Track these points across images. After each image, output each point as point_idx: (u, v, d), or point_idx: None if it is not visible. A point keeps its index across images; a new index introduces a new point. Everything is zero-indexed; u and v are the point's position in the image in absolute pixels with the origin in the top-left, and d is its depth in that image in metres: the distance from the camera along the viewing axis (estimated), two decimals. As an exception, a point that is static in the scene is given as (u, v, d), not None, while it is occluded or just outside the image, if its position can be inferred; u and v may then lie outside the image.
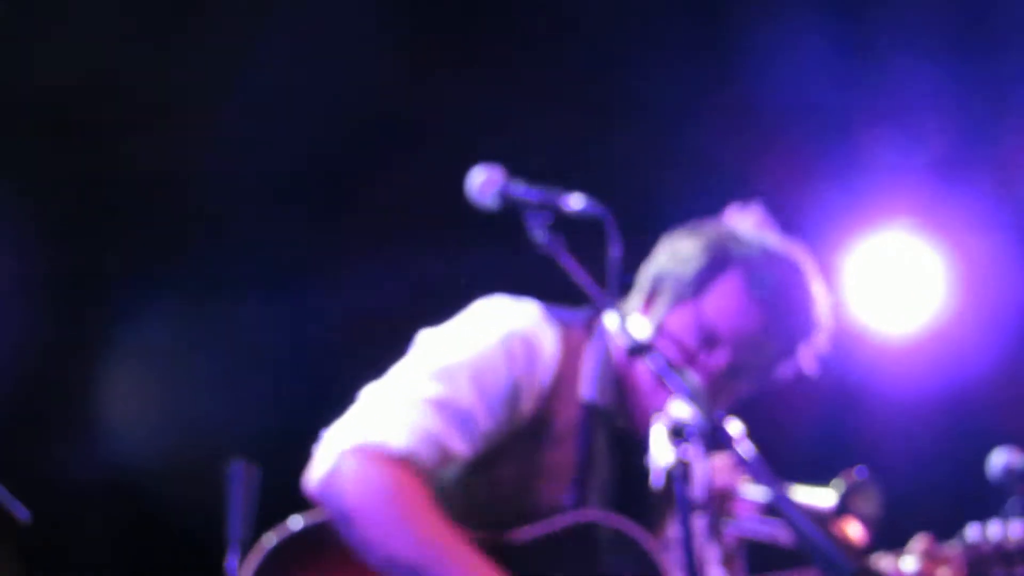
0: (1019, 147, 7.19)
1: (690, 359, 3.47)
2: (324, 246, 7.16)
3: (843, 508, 4.80)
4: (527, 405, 3.35)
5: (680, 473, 3.06)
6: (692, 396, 3.02)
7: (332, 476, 3.15)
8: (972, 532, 3.79)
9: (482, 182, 3.29)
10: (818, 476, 4.86)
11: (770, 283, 3.51)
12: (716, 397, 3.48)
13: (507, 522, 3.29)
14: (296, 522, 3.25)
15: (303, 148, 6.88)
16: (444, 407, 3.24)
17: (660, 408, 3.44)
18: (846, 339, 7.91)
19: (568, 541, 3.29)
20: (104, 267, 6.90)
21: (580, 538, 3.31)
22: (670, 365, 3.09)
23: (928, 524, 7.11)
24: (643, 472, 3.50)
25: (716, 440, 3.00)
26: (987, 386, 7.52)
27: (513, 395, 3.32)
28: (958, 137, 7.26)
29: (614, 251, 3.10)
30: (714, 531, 4.86)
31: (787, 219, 7.34)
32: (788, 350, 3.58)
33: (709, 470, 4.63)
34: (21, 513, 4.18)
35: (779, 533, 4.83)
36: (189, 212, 6.93)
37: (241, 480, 4.26)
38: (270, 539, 3.20)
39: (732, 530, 4.83)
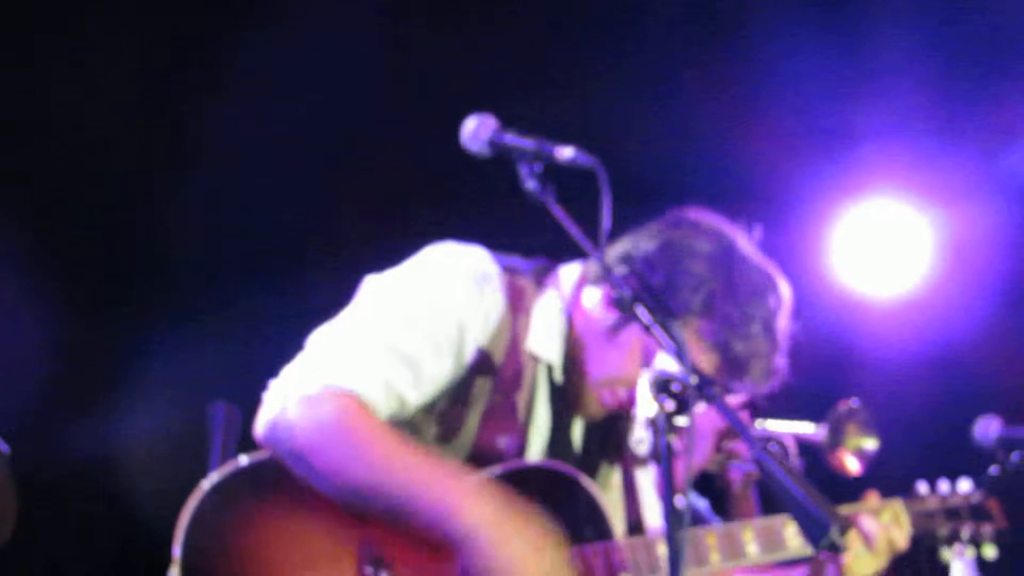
0: (1005, 113, 7.20)
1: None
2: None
3: (835, 439, 4.81)
4: (472, 350, 3.35)
5: (663, 425, 3.07)
6: (678, 350, 3.02)
7: (281, 418, 3.13)
8: (921, 489, 3.81)
9: (474, 129, 3.33)
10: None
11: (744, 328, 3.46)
12: None
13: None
14: (240, 460, 3.22)
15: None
16: (392, 349, 3.24)
17: (604, 370, 3.47)
18: (835, 303, 8.00)
19: (510, 484, 3.29)
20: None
21: (522, 482, 3.32)
22: (657, 318, 3.09)
23: (912, 477, 7.17)
24: (575, 430, 3.53)
25: (701, 394, 3.00)
26: (972, 350, 7.55)
27: (459, 340, 3.33)
28: (945, 104, 7.26)
29: (605, 201, 3.09)
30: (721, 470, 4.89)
31: (777, 186, 7.41)
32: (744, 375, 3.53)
33: (703, 419, 4.68)
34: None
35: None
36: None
37: (222, 423, 4.24)
38: (211, 477, 3.16)
39: (736, 470, 4.85)
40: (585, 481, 3.42)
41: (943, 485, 3.82)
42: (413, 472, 3.11)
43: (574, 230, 3.18)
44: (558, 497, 3.35)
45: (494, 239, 3.66)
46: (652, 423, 3.01)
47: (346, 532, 3.13)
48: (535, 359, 3.47)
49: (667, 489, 2.96)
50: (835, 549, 2.96)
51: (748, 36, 7.17)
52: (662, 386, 3.13)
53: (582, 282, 3.56)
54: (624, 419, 3.62)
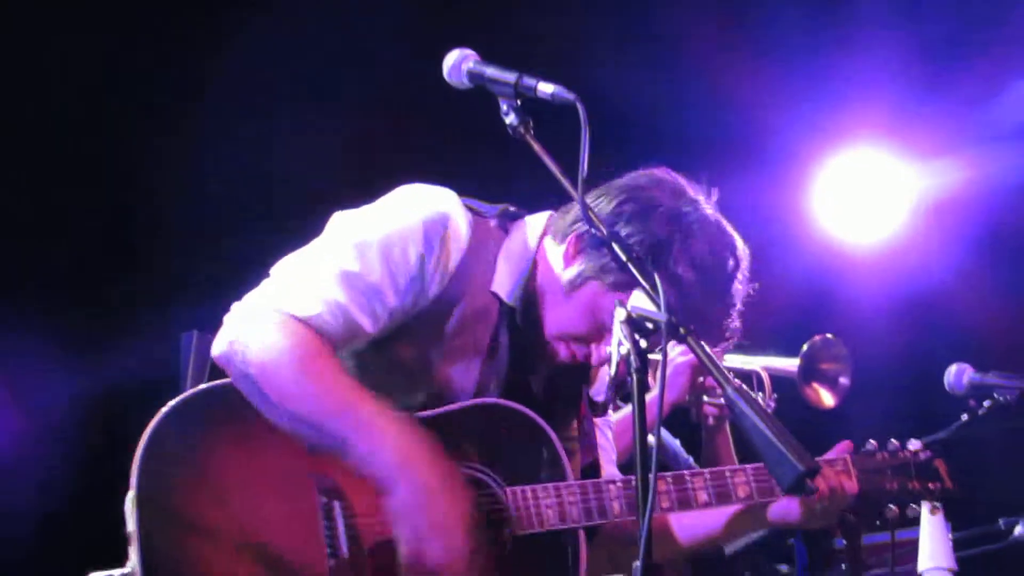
0: (988, 63, 7.20)
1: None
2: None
3: (809, 372, 4.83)
4: (434, 286, 3.36)
5: (637, 363, 3.07)
6: (652, 288, 3.02)
7: (237, 340, 3.15)
8: (870, 445, 3.83)
9: (455, 61, 3.33)
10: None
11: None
12: None
13: (407, 401, 3.32)
14: (200, 386, 3.24)
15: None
16: (353, 280, 3.26)
17: (560, 325, 3.50)
18: (815, 248, 8.02)
19: (468, 420, 3.33)
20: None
21: (480, 419, 3.36)
22: (633, 256, 3.09)
23: (884, 422, 7.21)
24: (536, 375, 3.55)
25: (676, 332, 3.00)
26: (947, 297, 7.60)
27: (420, 274, 3.33)
28: (928, 54, 7.26)
29: (584, 137, 3.08)
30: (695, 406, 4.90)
31: (761, 132, 7.42)
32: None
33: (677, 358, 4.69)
34: None
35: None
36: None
37: (193, 350, 4.22)
38: (169, 403, 3.14)
39: (710, 406, 4.86)
40: (542, 423, 3.43)
41: (891, 443, 3.84)
42: (349, 410, 3.12)
43: (554, 166, 3.18)
44: (515, 437, 3.38)
45: (479, 183, 3.66)
46: (625, 361, 3.00)
47: (302, 461, 3.14)
48: (498, 301, 3.48)
49: (640, 428, 2.96)
50: (804, 491, 2.97)
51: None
52: (635, 324, 3.13)
53: (546, 233, 3.56)
54: (583, 370, 3.63)
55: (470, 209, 3.51)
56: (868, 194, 8.01)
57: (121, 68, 6.52)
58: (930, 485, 3.83)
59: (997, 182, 7.45)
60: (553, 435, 3.42)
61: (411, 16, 6.76)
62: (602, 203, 3.45)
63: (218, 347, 3.20)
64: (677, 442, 5.35)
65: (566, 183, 3.17)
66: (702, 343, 3.07)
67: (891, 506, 3.78)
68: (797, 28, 7.28)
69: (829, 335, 4.89)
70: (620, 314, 3.17)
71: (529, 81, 3.23)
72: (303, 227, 3.50)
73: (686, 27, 7.22)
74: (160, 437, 3.09)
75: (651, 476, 2.91)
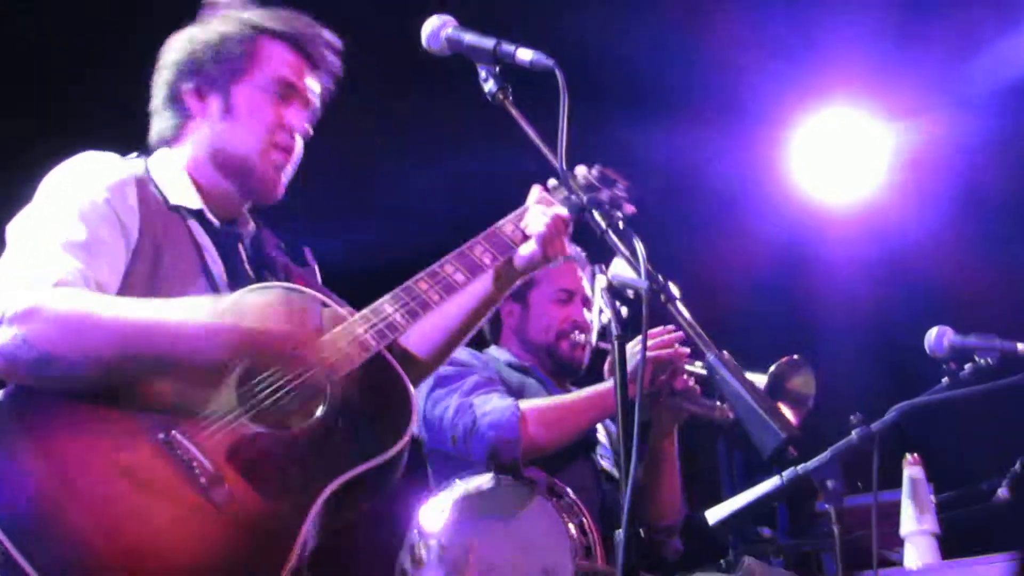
0: (964, 21, 7.17)
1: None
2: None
3: (775, 390, 4.83)
4: (133, 232, 3.35)
5: (618, 330, 3.07)
6: (635, 255, 3.01)
7: (7, 341, 3.05)
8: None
9: (434, 27, 3.35)
10: (764, 340, 4.91)
11: None
12: None
13: None
14: None
15: None
16: (70, 246, 3.22)
17: (235, 197, 3.60)
18: (792, 208, 8.02)
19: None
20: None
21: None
22: (613, 224, 3.08)
23: (860, 388, 7.22)
24: (242, 257, 3.60)
25: (658, 300, 2.99)
26: (926, 258, 7.60)
27: (118, 223, 3.33)
28: (904, 12, 7.23)
29: (563, 104, 3.07)
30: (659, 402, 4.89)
31: (737, 91, 7.39)
32: None
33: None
34: None
35: (715, 410, 4.85)
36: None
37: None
38: None
39: (671, 404, 4.85)
40: (300, 287, 3.44)
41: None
42: (153, 315, 3.12)
43: (532, 133, 3.17)
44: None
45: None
46: (606, 329, 3.00)
47: (120, 418, 3.08)
48: (180, 212, 3.50)
49: (622, 398, 2.96)
50: (784, 458, 2.97)
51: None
52: (617, 292, 3.12)
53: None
54: (273, 237, 3.74)
55: (127, 161, 3.56)
56: (844, 153, 7.99)
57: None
58: (615, 190, 3.78)
59: (974, 141, 7.44)
60: (308, 289, 3.43)
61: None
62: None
63: None
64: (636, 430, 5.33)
65: (545, 150, 3.17)
66: (682, 310, 3.06)
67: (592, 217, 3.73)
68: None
69: (796, 356, 4.89)
70: (601, 281, 3.16)
71: (507, 48, 3.23)
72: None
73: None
74: None
75: (634, 446, 2.92)
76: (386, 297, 3.42)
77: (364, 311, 3.39)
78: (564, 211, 3.64)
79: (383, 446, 3.23)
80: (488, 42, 3.23)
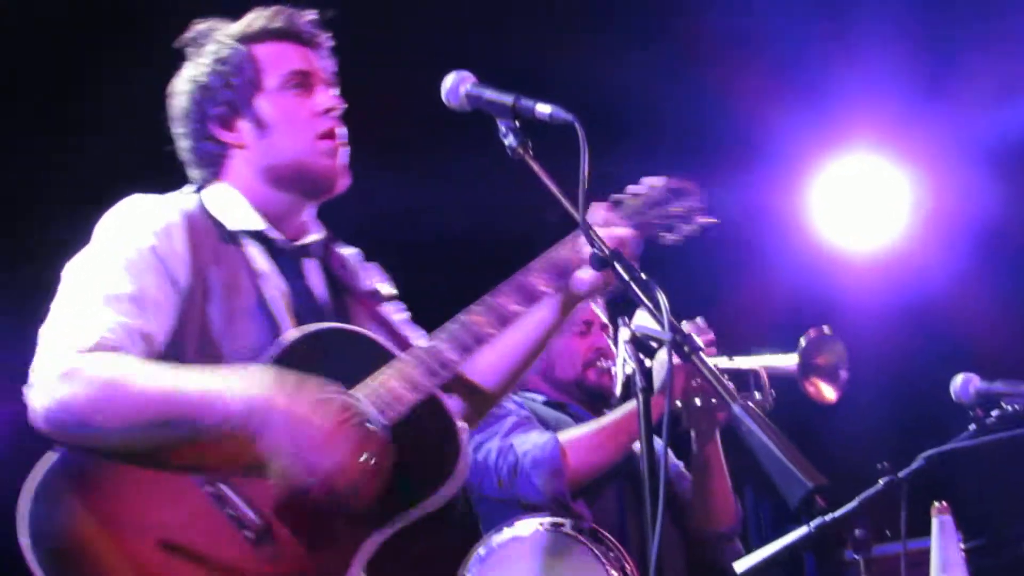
0: (988, 71, 7.19)
1: None
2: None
3: (807, 367, 4.82)
4: (182, 276, 3.30)
5: (642, 382, 3.07)
6: (658, 307, 3.01)
7: (51, 401, 3.05)
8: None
9: (452, 84, 3.34)
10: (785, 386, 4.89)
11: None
12: None
13: None
14: (48, 458, 3.11)
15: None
16: (114, 298, 3.19)
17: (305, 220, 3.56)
18: (813, 256, 8.02)
19: (289, 362, 3.23)
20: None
21: (299, 351, 3.29)
22: (635, 276, 3.08)
23: (887, 436, 7.19)
24: (311, 281, 3.55)
25: (681, 350, 2.99)
26: (950, 305, 7.58)
27: (165, 271, 3.27)
28: (927, 60, 7.25)
29: (583, 158, 3.07)
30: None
31: (758, 138, 7.40)
32: None
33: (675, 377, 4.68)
34: None
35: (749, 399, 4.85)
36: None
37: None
38: (32, 479, 3.06)
39: (708, 407, 4.85)
40: (351, 328, 3.42)
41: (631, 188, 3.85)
42: (177, 391, 3.07)
43: (553, 186, 3.17)
44: (334, 351, 3.33)
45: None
46: (630, 380, 3.00)
47: (170, 475, 3.07)
48: (237, 238, 3.46)
49: (647, 443, 2.95)
50: (814, 508, 2.96)
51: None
52: (640, 344, 3.12)
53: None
54: (339, 254, 3.67)
55: (173, 200, 3.50)
56: (866, 200, 8.00)
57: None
58: (687, 202, 3.78)
59: (996, 187, 7.44)
60: (360, 330, 3.40)
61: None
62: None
63: (41, 420, 3.09)
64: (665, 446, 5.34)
65: (566, 203, 3.16)
66: (705, 359, 3.05)
67: (664, 234, 3.76)
68: (796, 31, 7.26)
69: (825, 328, 4.87)
70: (624, 334, 3.16)
71: (526, 102, 3.23)
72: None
73: (686, 30, 7.21)
74: (43, 517, 3.02)
75: (660, 487, 2.92)
76: (439, 332, 3.38)
77: (416, 349, 3.35)
78: (625, 231, 3.60)
79: (433, 492, 3.20)
80: (507, 97, 3.22)
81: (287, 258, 3.52)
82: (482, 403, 3.64)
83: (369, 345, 3.37)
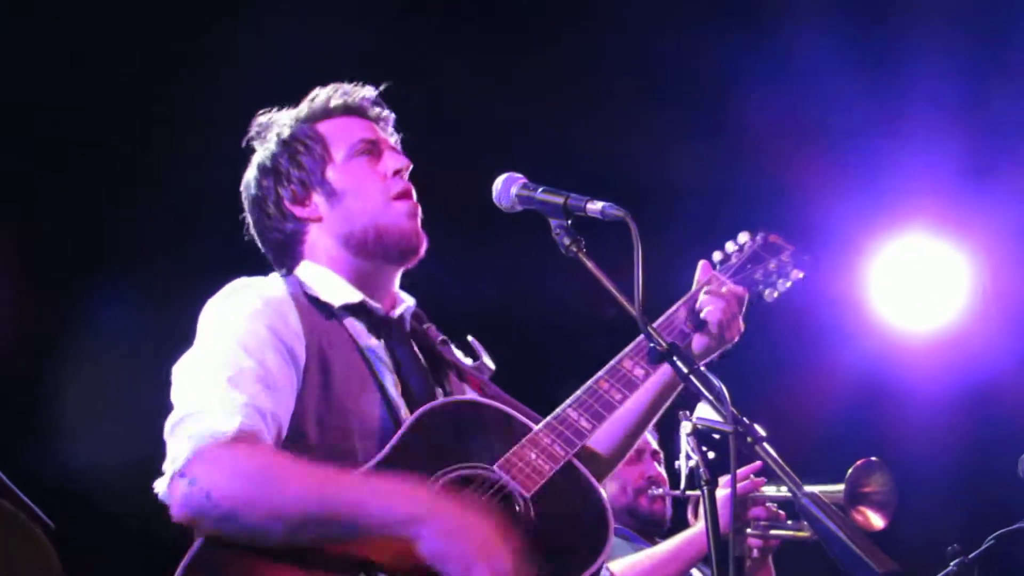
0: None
1: None
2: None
3: (854, 496, 4.79)
4: (299, 353, 3.29)
5: (706, 475, 3.06)
6: (719, 398, 3.00)
7: (190, 490, 3.03)
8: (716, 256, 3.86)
9: (503, 186, 3.37)
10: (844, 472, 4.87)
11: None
12: None
13: (352, 460, 3.23)
14: (196, 543, 3.09)
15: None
16: (244, 380, 3.17)
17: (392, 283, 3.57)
18: (872, 337, 7.98)
19: (418, 438, 3.23)
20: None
21: (425, 432, 3.26)
22: (693, 369, 3.08)
23: (955, 518, 7.11)
24: (416, 358, 3.53)
25: (744, 441, 2.98)
26: (1011, 382, 7.52)
27: (283, 348, 3.27)
28: (982, 140, 7.25)
29: (636, 253, 3.08)
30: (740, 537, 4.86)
31: (815, 219, 7.40)
32: None
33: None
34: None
35: (801, 530, 4.82)
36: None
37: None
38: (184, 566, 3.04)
39: (755, 538, 4.82)
40: (471, 398, 3.44)
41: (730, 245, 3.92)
42: (337, 491, 3.05)
43: (608, 282, 3.18)
44: (464, 425, 3.31)
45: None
46: (694, 474, 2.99)
47: (317, 567, 3.04)
48: (337, 312, 3.45)
49: (715, 540, 2.94)
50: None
51: (788, 66, 7.18)
52: (703, 436, 3.11)
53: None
54: (432, 325, 3.65)
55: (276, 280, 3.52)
56: (925, 281, 7.97)
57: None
58: (782, 257, 3.89)
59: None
60: (489, 402, 3.39)
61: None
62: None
63: (178, 509, 3.07)
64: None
65: (622, 299, 3.16)
66: (769, 450, 3.04)
67: (766, 290, 3.86)
68: (852, 114, 7.29)
69: (874, 458, 4.86)
70: (686, 427, 3.16)
71: (577, 201, 3.24)
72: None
73: (741, 114, 7.25)
74: None
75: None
76: (569, 401, 3.38)
77: (549, 419, 3.34)
78: (739, 289, 3.66)
79: (580, 563, 3.14)
80: (558, 197, 3.24)
81: (387, 329, 3.51)
82: (597, 470, 3.58)
83: (499, 417, 3.36)
